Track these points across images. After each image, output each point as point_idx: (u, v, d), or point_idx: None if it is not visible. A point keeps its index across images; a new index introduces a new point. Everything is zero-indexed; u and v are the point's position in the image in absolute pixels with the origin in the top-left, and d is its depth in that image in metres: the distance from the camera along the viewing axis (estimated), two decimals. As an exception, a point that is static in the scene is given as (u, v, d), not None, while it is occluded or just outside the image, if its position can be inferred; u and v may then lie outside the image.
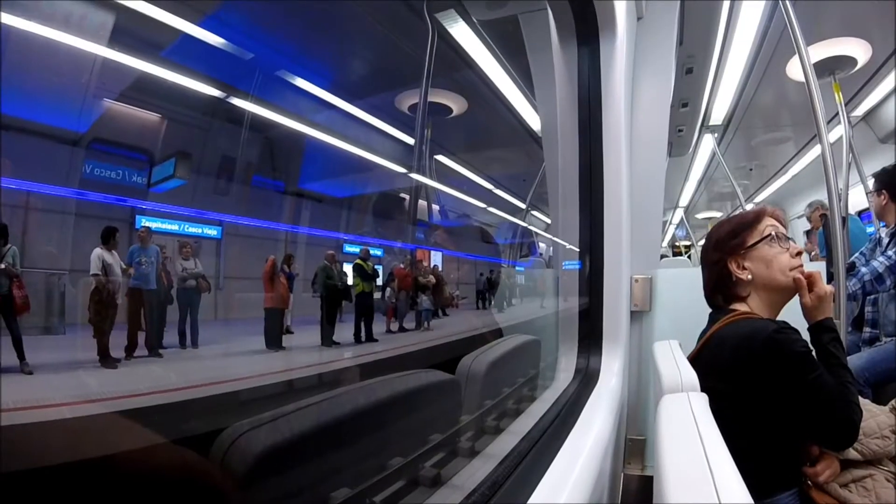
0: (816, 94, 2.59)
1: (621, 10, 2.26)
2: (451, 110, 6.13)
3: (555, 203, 2.59)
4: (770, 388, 1.49)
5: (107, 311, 2.77)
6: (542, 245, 7.65)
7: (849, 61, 5.78)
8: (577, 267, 2.37)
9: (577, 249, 2.36)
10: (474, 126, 6.87)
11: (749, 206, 10.48)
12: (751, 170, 10.90)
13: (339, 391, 1.28)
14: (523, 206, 6.57)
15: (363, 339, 5.07)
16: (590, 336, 2.20)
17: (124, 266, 2.97)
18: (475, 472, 1.34)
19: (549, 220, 6.67)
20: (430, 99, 5.30)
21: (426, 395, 1.54)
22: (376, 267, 5.60)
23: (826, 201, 2.98)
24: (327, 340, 4.59)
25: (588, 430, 1.46)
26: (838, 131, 5.65)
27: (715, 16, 4.04)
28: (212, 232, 3.82)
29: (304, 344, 4.47)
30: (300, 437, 1.03)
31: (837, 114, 5.74)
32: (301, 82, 4.76)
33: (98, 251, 2.84)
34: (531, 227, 7.66)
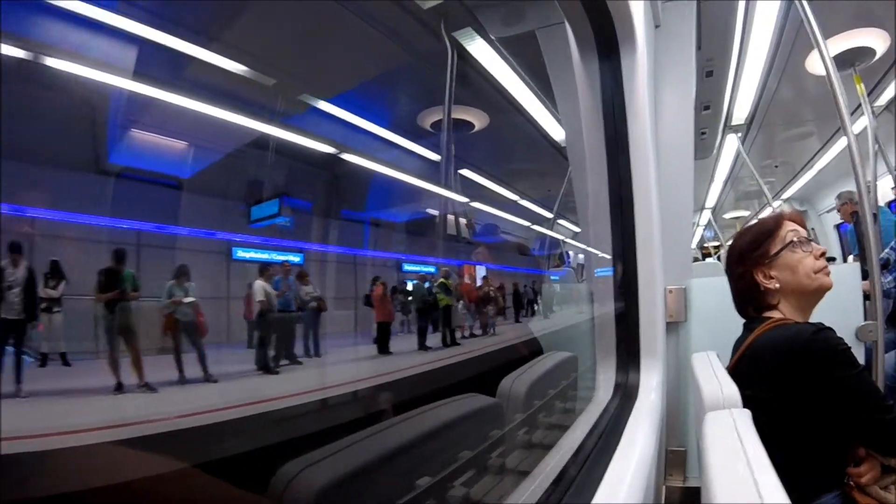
0: (838, 86, 2.56)
1: (639, 19, 2.25)
2: (473, 126, 6.19)
3: (584, 215, 2.59)
4: (815, 391, 1.48)
5: (268, 330, 3.40)
6: (571, 254, 7.64)
7: (868, 52, 5.72)
8: (610, 278, 2.36)
9: (609, 259, 2.35)
10: (497, 140, 6.92)
11: (777, 203, 10.35)
12: (776, 167, 10.77)
13: (386, 424, 1.28)
14: (550, 215, 6.57)
15: (449, 343, 5.85)
16: (627, 350, 2.19)
17: (275, 293, 3.61)
18: (526, 494, 1.33)
19: (575, 229, 6.72)
20: (452, 116, 5.36)
21: (472, 421, 1.55)
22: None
23: (854, 193, 2.94)
24: (423, 346, 5.43)
25: (633, 447, 1.46)
26: (862, 123, 5.58)
27: (731, 17, 4.01)
28: (295, 258, 4.27)
29: (403, 350, 5.11)
30: (353, 473, 1.04)
31: (860, 105, 5.67)
32: (343, 113, 4.95)
33: (259, 282, 3.59)
34: (559, 237, 7.65)
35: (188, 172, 3.35)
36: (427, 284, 6.25)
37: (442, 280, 6.16)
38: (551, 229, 7.39)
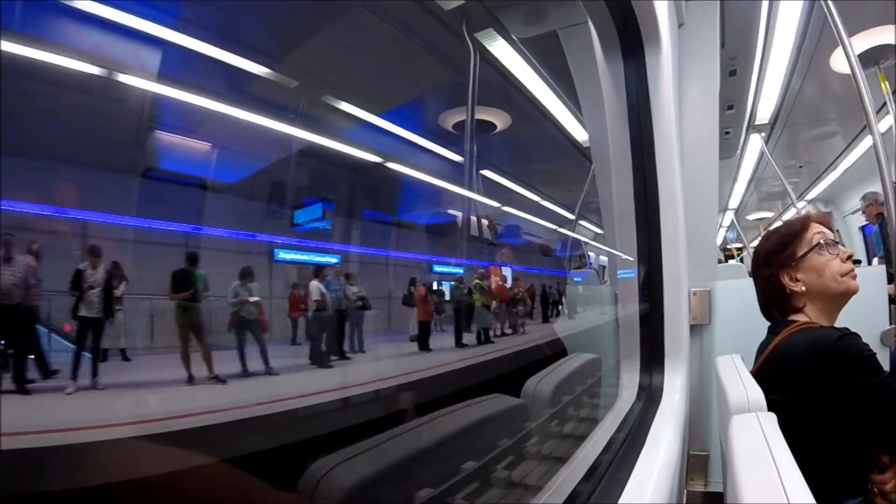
0: (863, 85, 2.52)
1: (664, 18, 2.24)
2: (495, 126, 6.20)
3: (608, 216, 2.57)
4: (838, 397, 1.46)
5: (323, 327, 3.77)
6: (593, 255, 7.65)
7: (893, 49, 5.61)
8: (634, 280, 2.35)
9: (633, 261, 2.34)
10: (518, 140, 6.94)
11: (801, 204, 10.21)
12: (800, 167, 10.65)
13: (415, 424, 1.30)
14: (571, 216, 6.59)
15: (483, 341, 6.07)
16: (651, 352, 2.18)
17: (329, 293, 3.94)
18: (559, 489, 1.33)
19: (597, 230, 6.75)
20: (475, 117, 5.38)
21: (499, 420, 1.55)
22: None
23: (880, 194, 2.88)
24: (459, 343, 5.66)
25: (657, 450, 1.46)
26: (888, 122, 5.50)
27: (755, 15, 3.98)
28: (333, 260, 4.50)
29: (442, 346, 5.37)
30: (382, 472, 1.04)
31: (885, 104, 5.59)
32: (369, 117, 5.10)
33: (315, 283, 3.91)
34: (581, 238, 7.64)
35: (233, 178, 3.69)
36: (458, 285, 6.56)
37: (478, 281, 6.45)
38: (573, 230, 7.39)
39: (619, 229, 2.39)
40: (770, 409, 1.35)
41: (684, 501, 2.42)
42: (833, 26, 2.60)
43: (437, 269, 6.46)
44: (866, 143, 7.88)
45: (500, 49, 4.51)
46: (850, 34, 2.69)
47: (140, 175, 2.79)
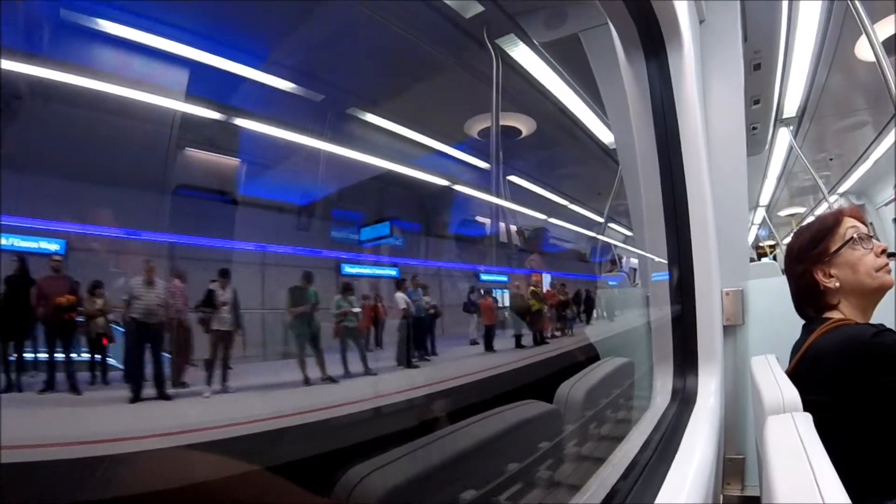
0: (889, 72, 2.47)
1: (684, 16, 2.22)
2: (520, 132, 6.23)
3: (637, 217, 2.55)
4: (876, 394, 1.44)
5: (408, 333, 4.21)
6: (623, 258, 7.70)
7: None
8: (665, 282, 2.33)
9: (664, 262, 2.31)
10: (544, 144, 6.97)
11: (833, 198, 10.03)
12: (831, 160, 10.47)
13: (447, 431, 1.31)
14: (601, 219, 6.64)
15: (539, 341, 6.47)
16: (684, 355, 2.16)
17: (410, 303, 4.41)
18: (593, 494, 1.33)
19: (627, 233, 6.79)
20: (500, 123, 5.42)
21: (532, 426, 1.55)
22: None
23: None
24: (519, 344, 6.12)
25: (691, 454, 1.45)
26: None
27: (776, 8, 3.93)
28: (392, 272, 4.89)
29: (504, 347, 5.88)
30: (416, 478, 1.05)
31: (913, 90, 5.45)
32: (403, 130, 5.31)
33: (399, 294, 4.40)
34: (611, 241, 7.68)
35: (305, 201, 4.14)
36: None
37: (533, 288, 6.90)
38: (602, 233, 7.42)
39: (649, 231, 2.38)
40: (806, 409, 1.32)
41: None
42: (855, 13, 2.56)
43: (484, 277, 6.85)
44: (896, 132, 7.75)
45: (522, 54, 4.51)
46: (874, 21, 2.65)
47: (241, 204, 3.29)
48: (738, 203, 2.71)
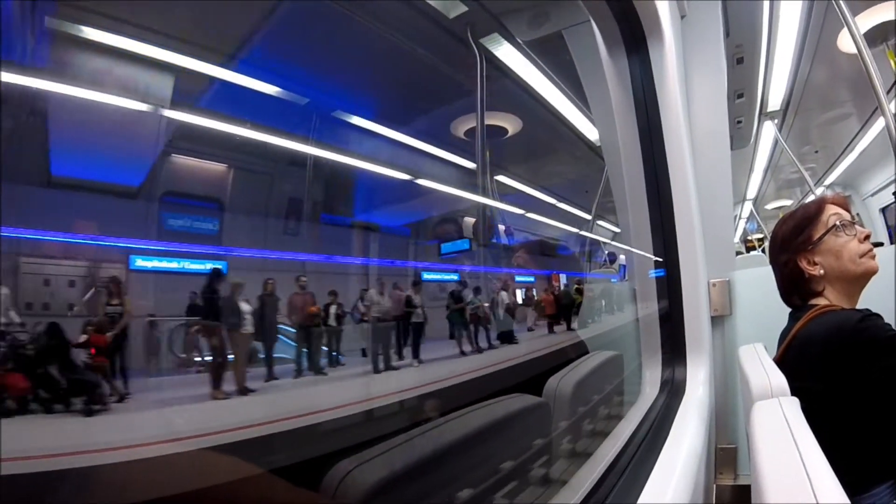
0: (871, 64, 2.50)
1: (664, 12, 2.24)
2: (506, 131, 6.26)
3: (623, 212, 2.56)
4: (864, 379, 1.45)
5: (468, 326, 5.29)
6: (611, 255, 7.89)
7: (898, 26, 5.54)
8: (653, 276, 2.34)
9: (651, 258, 2.33)
10: (531, 143, 7.00)
11: (820, 190, 10.09)
12: (816, 152, 10.52)
13: (436, 424, 1.32)
14: (588, 217, 6.78)
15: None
16: (672, 346, 2.17)
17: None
18: (577, 486, 1.34)
19: (615, 229, 6.96)
20: (485, 122, 5.45)
21: (520, 420, 1.55)
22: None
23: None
24: (570, 328, 7.23)
25: (680, 444, 1.45)
26: (899, 99, 5.42)
27: (758, 2, 3.95)
28: (454, 276, 5.86)
29: (559, 330, 7.31)
30: (404, 471, 1.05)
31: (896, 82, 5.52)
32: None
33: (504, 293, 6.18)
34: (599, 238, 7.82)
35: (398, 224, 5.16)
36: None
37: (576, 285, 8.15)
38: (591, 231, 7.54)
39: (634, 226, 2.39)
40: (794, 395, 1.34)
41: (713, 496, 2.40)
42: (836, 6, 2.59)
43: (519, 279, 7.82)
44: (881, 123, 7.78)
45: (506, 53, 4.52)
46: (855, 13, 2.67)
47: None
48: (723, 195, 2.73)
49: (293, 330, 3.06)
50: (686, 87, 2.58)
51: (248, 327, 2.49)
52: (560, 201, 8.95)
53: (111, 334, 1.72)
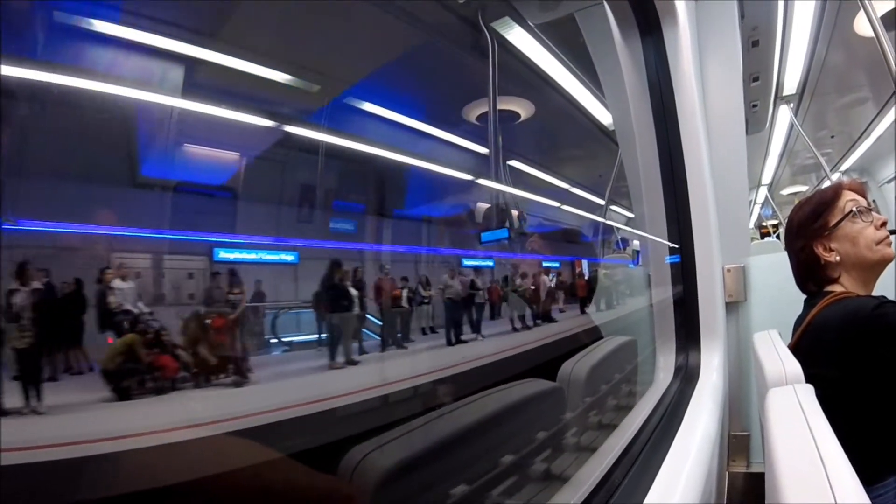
0: (888, 48, 2.45)
1: (679, -7, 2.20)
2: (518, 115, 6.23)
3: (637, 197, 2.54)
4: (880, 366, 1.43)
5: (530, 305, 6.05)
6: (625, 241, 8.03)
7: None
8: (667, 261, 2.33)
9: (665, 243, 2.32)
10: (544, 128, 6.97)
11: (835, 175, 9.99)
12: (832, 137, 10.40)
13: (449, 409, 1.33)
14: (602, 202, 6.85)
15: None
16: (687, 332, 2.16)
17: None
18: (591, 472, 1.34)
19: (629, 215, 6.96)
20: (498, 107, 5.46)
21: (534, 403, 1.56)
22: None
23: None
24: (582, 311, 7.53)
25: (693, 430, 1.45)
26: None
27: (773, -18, 3.89)
28: (489, 263, 6.10)
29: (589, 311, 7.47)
30: (419, 455, 1.05)
31: (913, 65, 5.42)
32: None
33: (544, 276, 6.78)
34: (613, 224, 7.88)
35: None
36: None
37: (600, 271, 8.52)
38: (604, 216, 7.58)
39: (649, 211, 2.37)
40: (809, 382, 1.32)
41: (726, 483, 2.39)
42: (852, -13, 2.54)
43: (546, 264, 8.05)
44: (897, 108, 7.69)
45: (518, 37, 4.49)
46: (871, -5, 2.62)
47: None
48: (738, 180, 2.70)
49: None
50: (701, 70, 2.55)
51: (357, 309, 3.02)
52: (573, 186, 8.94)
53: (233, 317, 2.09)
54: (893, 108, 8.07)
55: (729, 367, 2.33)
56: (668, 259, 2.32)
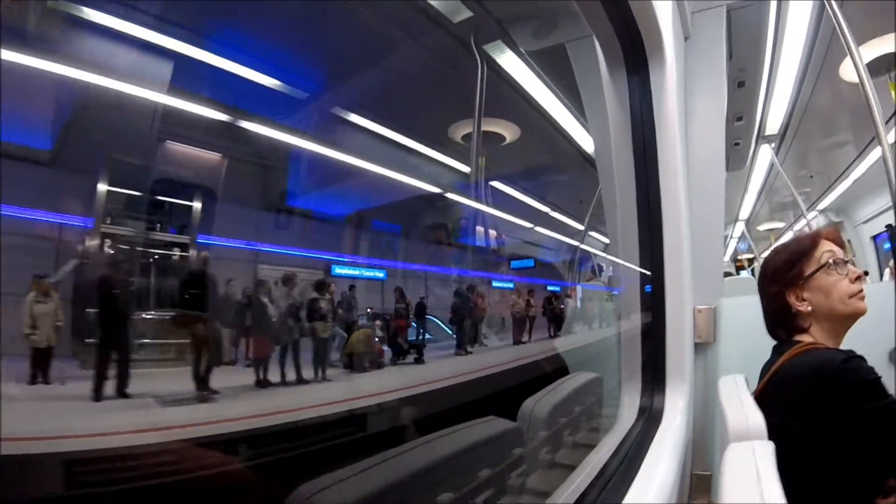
0: (872, 94, 2.48)
1: (668, 32, 2.22)
2: (504, 138, 6.27)
3: (612, 231, 2.54)
4: (844, 420, 1.42)
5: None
6: (601, 267, 8.43)
7: (903, 58, 5.57)
8: (638, 296, 2.32)
9: (638, 278, 2.31)
10: (528, 152, 7.03)
11: (811, 215, 10.12)
12: (811, 177, 10.58)
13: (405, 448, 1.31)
14: (581, 227, 7.07)
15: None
16: (652, 373, 2.16)
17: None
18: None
19: (607, 241, 7.17)
20: (483, 128, 5.48)
21: (491, 446, 1.53)
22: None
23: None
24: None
25: (654, 472, 1.46)
26: (898, 131, 5.45)
27: (762, 27, 3.94)
28: (509, 285, 7.69)
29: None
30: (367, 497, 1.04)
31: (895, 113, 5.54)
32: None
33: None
34: (590, 249, 8.06)
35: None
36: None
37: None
38: (583, 241, 7.76)
39: (623, 245, 2.37)
40: (773, 433, 1.32)
41: None
42: (841, 34, 2.57)
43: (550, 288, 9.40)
44: (877, 152, 7.81)
45: (509, 61, 4.51)
46: (860, 42, 2.65)
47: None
48: (715, 220, 2.71)
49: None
50: (685, 108, 2.56)
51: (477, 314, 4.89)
52: (554, 210, 9.03)
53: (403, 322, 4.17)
54: (873, 153, 8.22)
55: (695, 409, 2.33)
56: (638, 295, 2.32)
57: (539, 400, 1.93)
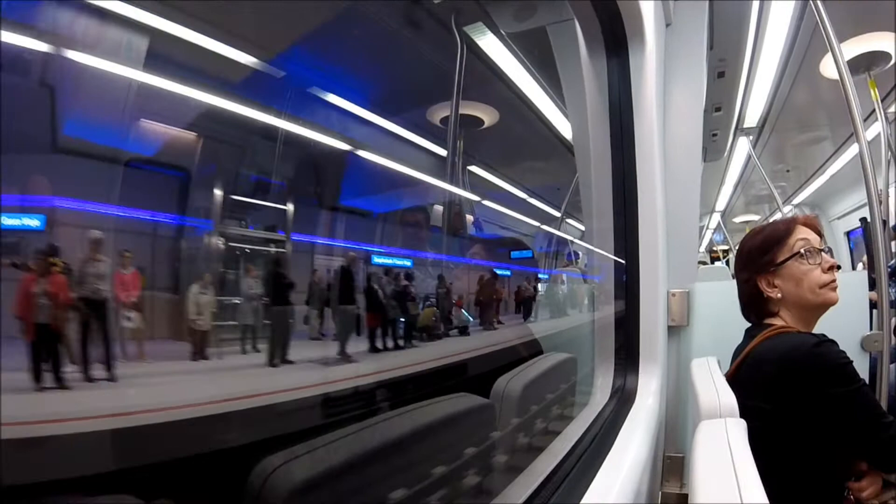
0: (852, 91, 2.50)
1: (649, 18, 2.21)
2: (482, 122, 6.22)
3: (588, 214, 2.55)
4: (814, 404, 1.44)
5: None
6: (577, 254, 8.34)
7: (883, 56, 5.62)
8: (613, 281, 2.33)
9: (612, 262, 2.32)
10: (506, 136, 6.98)
11: (787, 209, 10.25)
12: (788, 171, 10.66)
13: (372, 422, 1.30)
14: (558, 214, 7.06)
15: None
16: (626, 355, 2.17)
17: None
18: (518, 491, 1.33)
19: (583, 228, 7.16)
20: (461, 111, 5.45)
21: (462, 420, 1.53)
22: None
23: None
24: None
25: (626, 451, 1.45)
26: (876, 129, 5.54)
27: (745, 18, 3.95)
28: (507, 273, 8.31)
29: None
30: (335, 469, 1.02)
31: (874, 111, 5.61)
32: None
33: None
34: (566, 236, 8.05)
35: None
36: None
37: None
38: (559, 228, 7.74)
39: (598, 230, 2.38)
40: (745, 414, 1.33)
41: (658, 501, 2.41)
42: (823, 31, 2.58)
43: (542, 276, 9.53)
44: (854, 149, 7.90)
45: (489, 44, 4.48)
46: (841, 40, 2.67)
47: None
48: (690, 206, 2.72)
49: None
50: (664, 95, 2.56)
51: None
52: (532, 196, 9.01)
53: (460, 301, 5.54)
54: (850, 150, 8.31)
55: (668, 391, 2.35)
56: (613, 279, 2.33)
57: (511, 379, 1.94)
